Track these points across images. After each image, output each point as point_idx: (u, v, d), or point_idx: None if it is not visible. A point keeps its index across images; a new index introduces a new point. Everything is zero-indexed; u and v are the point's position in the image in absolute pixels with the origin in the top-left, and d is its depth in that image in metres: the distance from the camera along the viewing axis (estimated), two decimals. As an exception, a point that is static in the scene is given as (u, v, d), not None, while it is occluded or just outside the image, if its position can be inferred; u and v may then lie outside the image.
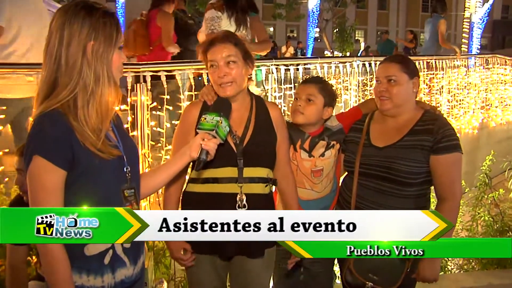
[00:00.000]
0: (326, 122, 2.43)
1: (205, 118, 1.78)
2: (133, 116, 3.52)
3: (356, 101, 5.34)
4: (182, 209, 2.17)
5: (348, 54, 25.23)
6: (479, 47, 10.66)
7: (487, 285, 3.41)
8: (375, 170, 2.24)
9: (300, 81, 4.11)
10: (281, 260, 2.47)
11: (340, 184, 2.50)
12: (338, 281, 2.91)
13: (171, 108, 3.71)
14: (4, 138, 4.32)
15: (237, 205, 2.02)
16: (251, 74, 2.20)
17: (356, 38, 36.16)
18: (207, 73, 3.57)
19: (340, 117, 2.49)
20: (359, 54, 22.12)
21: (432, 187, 2.27)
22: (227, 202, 2.03)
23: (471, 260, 3.90)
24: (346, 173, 2.46)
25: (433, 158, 2.16)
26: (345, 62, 5.18)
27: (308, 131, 2.39)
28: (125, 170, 1.62)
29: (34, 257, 2.81)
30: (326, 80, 4.32)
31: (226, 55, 2.04)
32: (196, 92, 3.50)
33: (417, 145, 2.18)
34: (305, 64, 4.67)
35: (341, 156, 2.48)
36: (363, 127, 2.38)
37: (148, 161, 3.49)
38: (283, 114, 2.43)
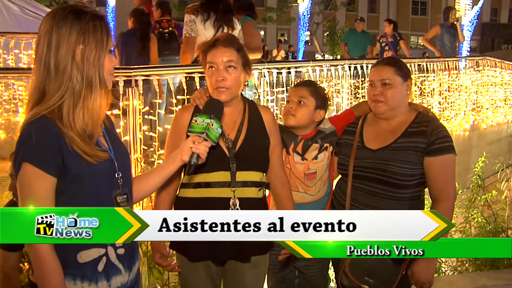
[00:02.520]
0: (319, 125, 2.43)
1: (196, 121, 1.74)
2: (125, 121, 3.50)
3: (348, 104, 5.36)
4: None
5: (338, 57, 25.36)
6: (469, 49, 10.76)
7: (481, 286, 3.41)
8: (369, 172, 2.24)
9: (293, 84, 4.12)
10: (275, 265, 2.47)
11: (334, 187, 2.49)
12: (332, 284, 2.91)
13: (163, 112, 3.69)
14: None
15: (230, 209, 2.00)
16: (247, 81, 2.19)
17: (347, 41, 36.31)
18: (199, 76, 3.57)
19: (333, 120, 2.50)
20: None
21: (427, 189, 2.28)
22: (220, 206, 2.00)
23: (464, 262, 3.91)
24: (340, 176, 2.46)
25: (427, 160, 2.16)
26: (337, 65, 5.18)
27: (301, 134, 2.39)
28: (116, 176, 1.60)
29: (26, 264, 2.78)
30: (318, 83, 4.35)
31: (227, 59, 2.02)
32: (188, 96, 3.49)
33: (411, 147, 2.18)
34: (296, 67, 4.66)
35: (334, 159, 2.48)
36: (357, 129, 2.38)
37: (141, 166, 3.47)
38: (275, 117, 2.43)
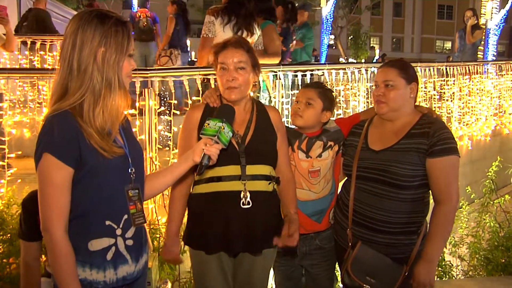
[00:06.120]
0: (325, 125, 2.48)
1: (208, 124, 1.86)
2: (141, 121, 3.60)
3: (364, 107, 5.35)
4: (189, 211, 2.24)
5: (363, 61, 25.20)
6: (495, 53, 10.58)
7: (491, 291, 3.39)
8: (371, 173, 2.27)
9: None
10: (281, 262, 2.52)
11: (340, 188, 2.53)
12: (341, 284, 2.93)
13: (178, 112, 3.77)
14: (19, 141, 4.46)
15: (241, 202, 2.08)
16: (256, 81, 2.26)
17: (371, 45, 36.09)
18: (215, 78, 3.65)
19: (338, 122, 2.55)
20: (374, 61, 22.10)
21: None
22: (231, 199, 2.09)
23: (476, 267, 3.88)
24: (346, 177, 2.49)
25: (429, 161, 2.18)
26: (354, 68, 5.19)
27: (305, 132, 2.45)
28: (129, 171, 1.69)
29: (43, 256, 2.89)
30: (331, 86, 4.36)
31: (237, 60, 2.12)
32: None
33: (413, 148, 2.20)
34: (312, 70, 4.68)
35: (340, 159, 2.52)
36: (362, 131, 2.42)
37: (156, 165, 3.55)
38: (289, 119, 2.48)
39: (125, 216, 1.66)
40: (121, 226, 1.65)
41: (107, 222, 1.62)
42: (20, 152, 3.89)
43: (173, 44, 7.30)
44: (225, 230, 2.09)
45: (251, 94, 2.33)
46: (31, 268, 2.47)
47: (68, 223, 1.57)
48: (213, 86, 3.65)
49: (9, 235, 3.19)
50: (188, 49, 7.89)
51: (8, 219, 3.29)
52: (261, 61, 3.73)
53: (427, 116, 2.31)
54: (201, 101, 2.34)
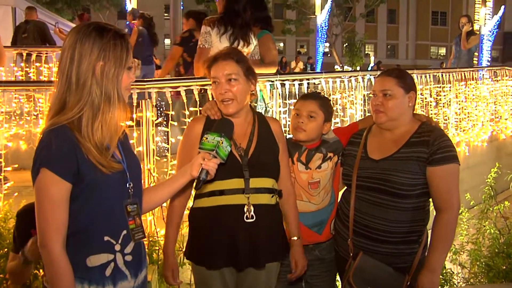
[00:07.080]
0: (324, 136, 2.47)
1: (207, 138, 1.84)
2: (138, 132, 3.58)
3: (362, 115, 5.36)
4: (190, 225, 2.21)
5: (358, 68, 25.32)
6: (489, 59, 10.62)
7: (491, 299, 3.36)
8: (371, 182, 2.26)
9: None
10: (282, 273, 2.50)
11: (340, 198, 2.52)
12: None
13: (175, 124, 3.76)
14: (15, 154, 4.43)
15: (245, 216, 2.05)
16: (254, 90, 2.25)
17: (366, 52, 36.28)
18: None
19: (337, 131, 2.54)
20: (369, 69, 22.21)
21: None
22: (235, 213, 2.06)
23: (477, 274, 3.86)
24: (346, 187, 2.48)
25: (429, 170, 2.17)
26: (350, 76, 5.19)
27: (306, 144, 2.44)
28: (127, 186, 1.67)
29: (41, 270, 2.86)
30: (327, 94, 4.36)
31: (227, 72, 2.10)
32: (201, 108, 3.55)
33: (413, 157, 2.20)
34: (308, 79, 4.68)
35: (339, 169, 2.50)
36: (361, 140, 2.41)
37: (153, 177, 3.53)
38: (287, 128, 2.47)
39: (124, 232, 1.64)
40: (120, 241, 1.63)
41: (106, 238, 1.60)
42: (16, 165, 3.87)
43: (134, 55, 7.37)
44: (229, 245, 2.07)
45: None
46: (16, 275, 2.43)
47: (66, 239, 1.54)
48: (210, 96, 3.65)
49: (5, 249, 3.16)
50: (153, 62, 7.94)
51: (4, 233, 3.26)
52: (258, 70, 3.73)
53: (426, 124, 2.30)
54: (198, 113, 2.33)
